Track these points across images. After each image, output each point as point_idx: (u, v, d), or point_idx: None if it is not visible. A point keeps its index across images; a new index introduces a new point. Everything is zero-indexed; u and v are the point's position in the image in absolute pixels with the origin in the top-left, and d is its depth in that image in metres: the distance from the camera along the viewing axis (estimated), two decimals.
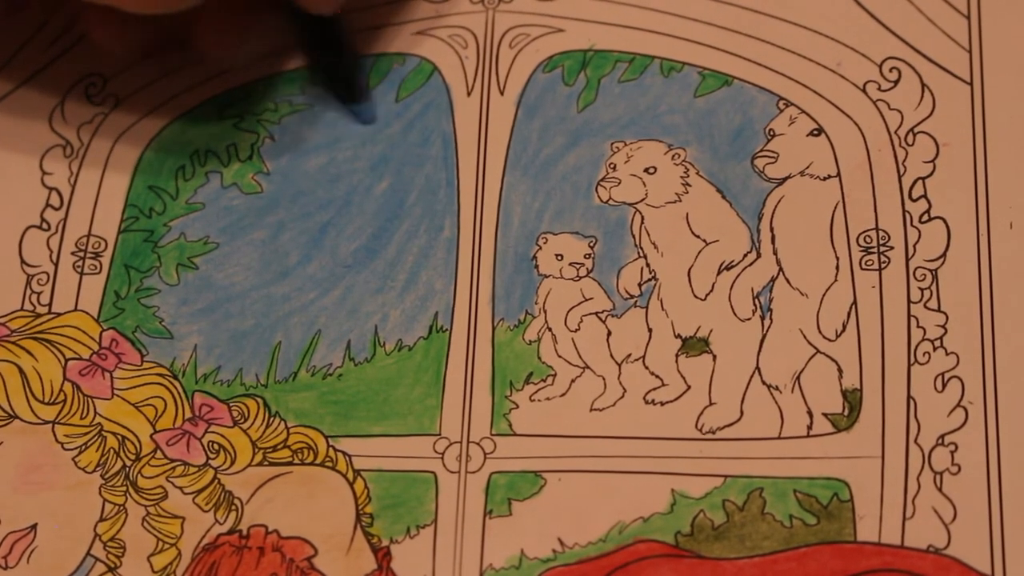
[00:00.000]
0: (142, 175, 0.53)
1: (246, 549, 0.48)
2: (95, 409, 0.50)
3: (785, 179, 0.51)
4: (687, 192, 0.51)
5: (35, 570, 0.48)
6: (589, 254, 0.51)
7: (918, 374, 0.48)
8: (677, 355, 0.49)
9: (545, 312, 0.50)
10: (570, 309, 0.50)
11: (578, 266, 0.51)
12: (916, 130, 0.51)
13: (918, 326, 0.48)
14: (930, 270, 0.49)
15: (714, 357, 0.49)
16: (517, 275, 0.51)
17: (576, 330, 0.50)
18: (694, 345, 0.49)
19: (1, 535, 0.48)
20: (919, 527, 0.46)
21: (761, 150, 0.52)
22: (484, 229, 0.52)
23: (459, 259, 0.51)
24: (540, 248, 0.51)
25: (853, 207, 0.50)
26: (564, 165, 0.52)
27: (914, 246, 0.50)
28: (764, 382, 0.48)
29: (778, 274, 0.50)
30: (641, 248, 0.51)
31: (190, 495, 0.49)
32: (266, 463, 0.49)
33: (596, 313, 0.50)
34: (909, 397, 0.48)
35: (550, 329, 0.50)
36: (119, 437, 0.49)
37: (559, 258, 0.51)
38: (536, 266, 0.51)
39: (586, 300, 0.50)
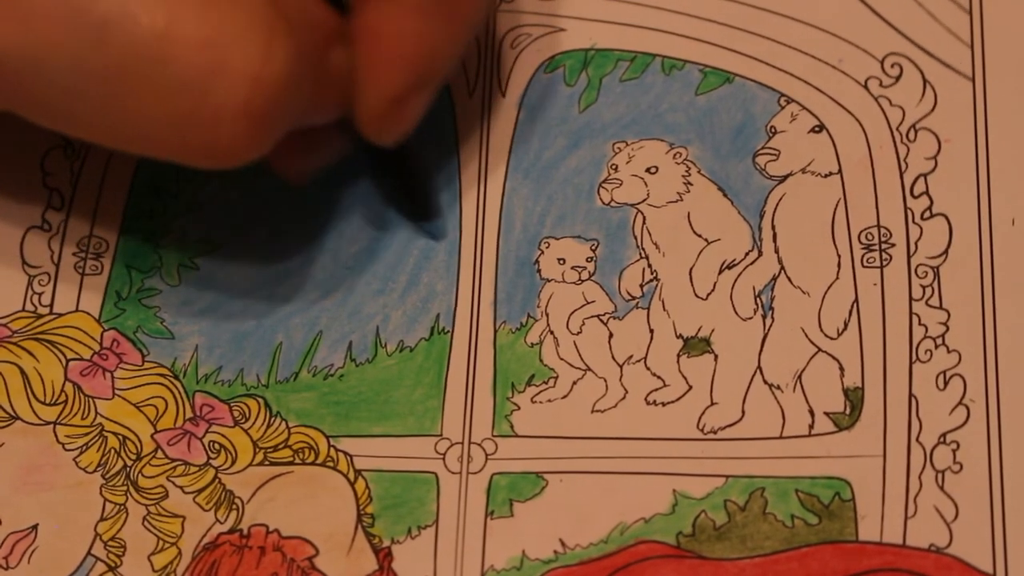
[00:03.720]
0: (143, 175, 0.53)
1: (247, 548, 0.48)
2: (96, 409, 0.50)
3: (786, 176, 0.51)
4: (688, 191, 0.51)
5: (36, 570, 0.48)
6: (591, 257, 0.51)
7: (920, 372, 0.48)
8: (679, 355, 0.49)
9: (547, 315, 0.50)
10: (572, 312, 0.50)
11: (580, 270, 0.51)
12: (918, 126, 0.51)
13: (920, 324, 0.48)
14: (932, 267, 0.49)
15: (716, 357, 0.49)
16: (519, 279, 0.51)
17: (578, 333, 0.50)
18: (696, 345, 0.49)
19: (2, 536, 0.48)
20: (921, 526, 0.46)
21: (762, 147, 0.52)
22: (486, 232, 0.52)
23: (461, 261, 0.51)
24: (542, 253, 0.51)
25: (854, 204, 0.50)
26: (566, 168, 0.52)
27: (916, 243, 0.49)
28: (766, 381, 0.48)
29: (779, 272, 0.50)
30: (643, 249, 0.51)
31: (191, 494, 0.49)
32: (267, 463, 0.49)
33: (598, 315, 0.50)
34: (911, 395, 0.47)
35: (552, 332, 0.50)
36: (120, 437, 0.49)
37: (561, 262, 0.51)
38: (538, 270, 0.51)
39: (588, 303, 0.50)
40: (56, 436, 0.50)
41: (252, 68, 0.43)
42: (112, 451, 0.49)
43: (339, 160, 0.51)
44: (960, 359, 0.48)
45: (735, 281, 0.50)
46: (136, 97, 0.43)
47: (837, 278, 0.49)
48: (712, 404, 0.48)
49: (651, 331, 0.50)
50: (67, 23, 0.42)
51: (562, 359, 0.50)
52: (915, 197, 0.50)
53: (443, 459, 0.48)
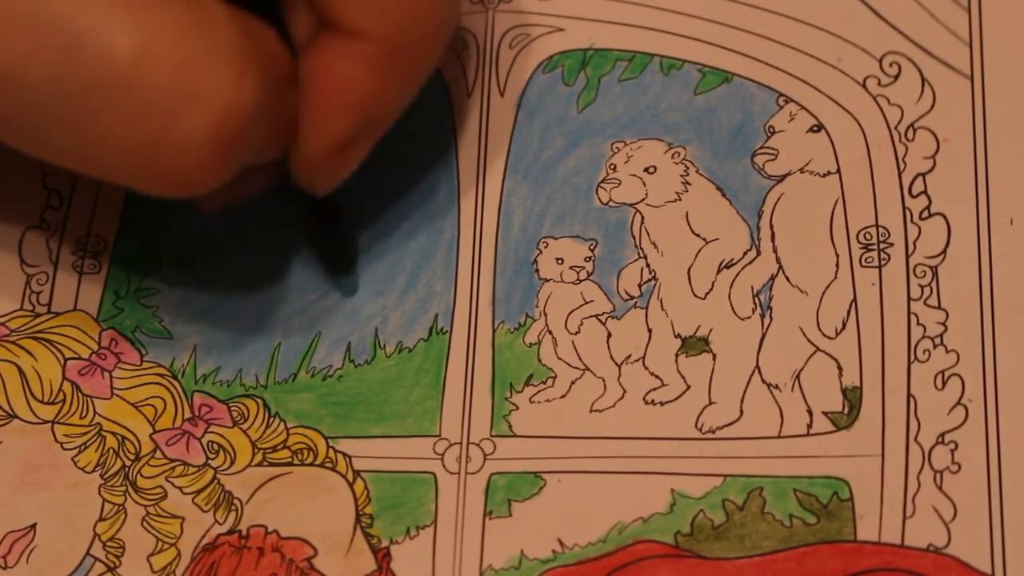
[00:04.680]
0: None
1: (245, 549, 0.48)
2: (94, 409, 0.50)
3: (785, 176, 0.51)
4: (687, 191, 0.51)
5: (34, 570, 0.48)
6: (589, 257, 0.51)
7: (918, 372, 0.48)
8: (677, 355, 0.49)
9: (545, 315, 0.50)
10: (570, 312, 0.50)
11: (578, 269, 0.51)
12: (916, 125, 0.51)
13: (918, 323, 0.48)
14: (930, 267, 0.49)
15: (714, 356, 0.49)
16: (517, 279, 0.51)
17: (576, 332, 0.50)
18: (694, 345, 0.49)
19: (0, 535, 0.48)
20: (919, 526, 0.46)
21: (761, 147, 0.51)
22: (484, 232, 0.52)
23: (459, 261, 0.51)
24: (541, 252, 0.51)
25: (853, 204, 0.50)
26: (564, 167, 0.52)
27: (914, 243, 0.49)
28: (764, 381, 0.48)
29: (778, 272, 0.50)
30: (641, 248, 0.51)
31: (189, 495, 0.49)
32: (266, 463, 0.49)
33: (596, 315, 0.50)
34: (909, 395, 0.47)
35: (550, 332, 0.50)
36: (118, 437, 0.49)
37: (560, 262, 0.51)
38: (537, 270, 0.51)
39: (586, 303, 0.50)
40: (54, 435, 0.50)
41: (224, 96, 0.42)
42: (111, 451, 0.49)
43: (256, 196, 0.50)
44: (958, 359, 0.47)
45: (733, 281, 0.50)
46: (105, 117, 0.42)
47: (835, 278, 0.49)
48: (710, 403, 0.48)
49: (649, 331, 0.50)
50: (40, 38, 0.41)
51: (560, 359, 0.50)
52: (913, 196, 0.50)
53: (442, 459, 0.48)
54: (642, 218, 0.51)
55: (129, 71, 0.41)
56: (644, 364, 0.49)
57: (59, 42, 0.41)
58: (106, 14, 0.41)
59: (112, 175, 0.44)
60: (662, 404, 0.49)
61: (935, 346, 0.48)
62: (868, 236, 0.50)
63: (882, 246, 0.50)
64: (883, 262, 0.49)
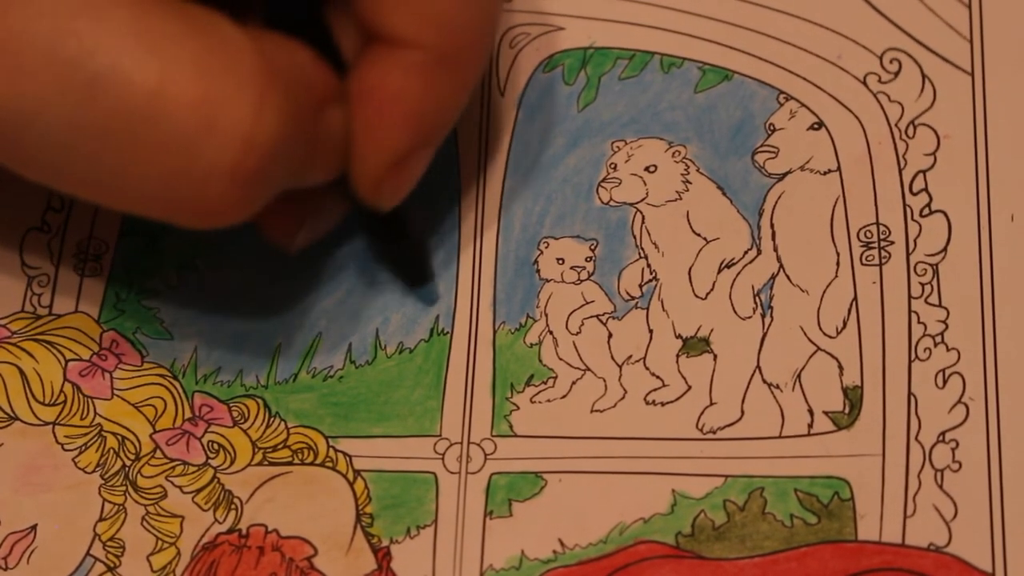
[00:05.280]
0: None
1: (245, 548, 0.48)
2: (95, 409, 0.50)
3: (785, 174, 0.51)
4: (687, 190, 0.51)
5: (35, 570, 0.48)
6: (590, 257, 0.51)
7: (919, 370, 0.48)
8: (678, 355, 0.49)
9: (546, 316, 0.50)
10: (571, 312, 0.50)
11: (579, 270, 0.51)
12: (917, 122, 0.51)
13: (919, 322, 0.48)
14: (931, 265, 0.49)
15: (715, 357, 0.49)
16: (518, 279, 0.51)
17: (577, 333, 0.50)
18: (695, 345, 0.49)
19: (1, 536, 0.48)
20: (920, 525, 0.46)
21: (761, 145, 0.51)
22: (485, 233, 0.51)
23: (460, 262, 0.51)
24: (541, 253, 0.51)
25: (853, 202, 0.50)
26: (565, 167, 0.52)
27: (915, 240, 0.49)
28: (765, 381, 0.48)
29: (779, 271, 0.50)
30: (642, 248, 0.51)
31: (189, 494, 0.49)
32: (266, 463, 0.49)
33: (597, 316, 0.50)
34: (910, 394, 0.47)
35: (551, 332, 0.50)
36: (119, 437, 0.49)
37: (560, 262, 0.51)
38: (537, 270, 0.51)
39: (587, 303, 0.50)
40: (55, 436, 0.50)
41: (243, 129, 0.42)
42: (111, 451, 0.49)
43: (335, 226, 0.50)
44: (959, 357, 0.47)
45: (734, 280, 0.50)
46: (126, 154, 0.42)
47: (836, 276, 0.49)
48: (711, 404, 0.48)
49: (650, 331, 0.50)
50: (58, 78, 0.41)
51: (561, 359, 0.50)
52: (914, 194, 0.50)
53: (442, 459, 0.48)
54: (643, 217, 0.51)
55: (146, 108, 0.41)
56: (645, 364, 0.49)
57: (77, 81, 0.41)
58: (122, 51, 0.41)
59: (138, 208, 0.44)
60: (663, 404, 0.48)
61: (936, 344, 0.48)
62: (869, 234, 0.50)
63: (883, 244, 0.49)
64: (884, 260, 0.49)
